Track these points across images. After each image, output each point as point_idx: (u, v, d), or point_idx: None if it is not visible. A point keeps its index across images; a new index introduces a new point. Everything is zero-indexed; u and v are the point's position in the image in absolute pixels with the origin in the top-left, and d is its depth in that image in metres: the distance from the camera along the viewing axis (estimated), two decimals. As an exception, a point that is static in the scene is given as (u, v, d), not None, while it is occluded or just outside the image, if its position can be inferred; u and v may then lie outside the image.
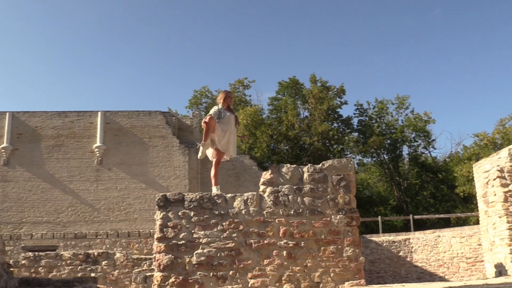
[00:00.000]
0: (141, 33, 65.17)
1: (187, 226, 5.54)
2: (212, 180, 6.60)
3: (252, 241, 5.50)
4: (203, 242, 5.48)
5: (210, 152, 6.77)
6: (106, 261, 11.74)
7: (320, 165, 5.82)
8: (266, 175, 5.81)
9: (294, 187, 5.70)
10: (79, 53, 64.27)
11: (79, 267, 11.59)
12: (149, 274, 10.47)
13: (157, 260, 5.46)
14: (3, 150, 20.81)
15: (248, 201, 5.65)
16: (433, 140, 35.45)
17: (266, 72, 60.71)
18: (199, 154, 6.94)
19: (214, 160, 6.72)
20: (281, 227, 5.56)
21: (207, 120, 6.47)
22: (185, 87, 61.54)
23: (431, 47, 58.89)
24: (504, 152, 7.93)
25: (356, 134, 34.64)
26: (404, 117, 35.03)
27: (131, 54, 65.09)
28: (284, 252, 5.48)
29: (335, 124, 34.16)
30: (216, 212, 5.59)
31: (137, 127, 21.57)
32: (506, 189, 7.77)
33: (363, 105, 35.08)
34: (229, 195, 5.74)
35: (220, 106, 6.77)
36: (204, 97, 36.27)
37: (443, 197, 33.69)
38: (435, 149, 38.08)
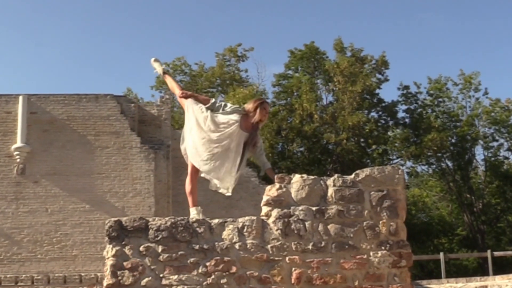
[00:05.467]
0: (83, -23, 65.15)
1: (152, 267, 5.55)
2: (188, 198, 6.58)
3: (250, 289, 5.51)
4: (177, 291, 5.49)
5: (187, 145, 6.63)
6: (31, 320, 11.76)
7: (353, 175, 5.84)
8: (271, 191, 5.82)
9: (314, 208, 5.71)
10: (-10, 7, 64.16)
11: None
12: None
13: (108, 318, 5.46)
14: None
15: (245, 229, 5.66)
16: (521, 138, 35.51)
17: (271, 35, 60.69)
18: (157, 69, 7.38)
19: (189, 169, 6.67)
20: (294, 268, 5.57)
21: (180, 95, 6.68)
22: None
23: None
24: None
25: (405, 128, 34.64)
26: (473, 104, 35.08)
27: (69, 10, 65.10)
28: (299, 307, 5.49)
29: (374, 114, 34.21)
30: (197, 247, 5.60)
31: (77, 118, 21.57)
32: None
33: (409, 87, 35.06)
34: (216, 221, 5.74)
35: (244, 110, 6.39)
36: (180, 73, 36.31)
37: (537, 224, 33.69)
38: (524, 151, 38.15)
